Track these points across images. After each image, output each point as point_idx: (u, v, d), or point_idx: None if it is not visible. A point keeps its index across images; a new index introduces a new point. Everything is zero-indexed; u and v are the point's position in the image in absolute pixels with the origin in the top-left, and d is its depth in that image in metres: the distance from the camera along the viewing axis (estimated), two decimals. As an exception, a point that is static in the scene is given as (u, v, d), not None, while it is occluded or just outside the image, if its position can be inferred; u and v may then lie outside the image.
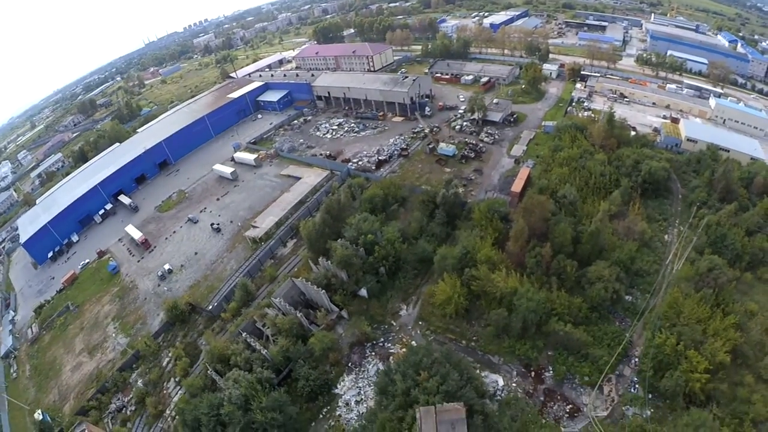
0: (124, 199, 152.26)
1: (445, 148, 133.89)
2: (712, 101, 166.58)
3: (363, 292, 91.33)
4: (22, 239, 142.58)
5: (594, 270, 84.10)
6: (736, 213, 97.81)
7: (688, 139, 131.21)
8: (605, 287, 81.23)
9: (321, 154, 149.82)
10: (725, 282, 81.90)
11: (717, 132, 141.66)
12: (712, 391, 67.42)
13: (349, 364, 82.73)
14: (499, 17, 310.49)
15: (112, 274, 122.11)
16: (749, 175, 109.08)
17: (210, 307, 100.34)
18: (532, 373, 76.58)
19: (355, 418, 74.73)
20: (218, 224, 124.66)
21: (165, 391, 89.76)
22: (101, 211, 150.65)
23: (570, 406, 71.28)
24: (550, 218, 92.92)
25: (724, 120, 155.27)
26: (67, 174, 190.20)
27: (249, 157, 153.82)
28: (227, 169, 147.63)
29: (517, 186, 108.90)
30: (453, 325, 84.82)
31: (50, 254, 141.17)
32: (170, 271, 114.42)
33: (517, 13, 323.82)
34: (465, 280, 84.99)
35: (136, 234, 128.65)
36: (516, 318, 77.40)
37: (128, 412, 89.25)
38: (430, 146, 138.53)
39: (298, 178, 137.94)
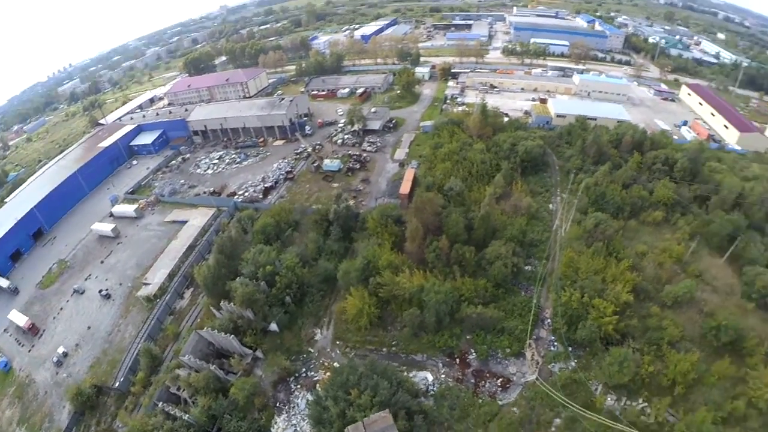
0: (2, 281, 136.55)
1: (330, 164, 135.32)
2: (576, 78, 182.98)
3: (273, 326, 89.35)
4: None
5: (491, 250, 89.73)
6: (610, 171, 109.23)
7: (557, 116, 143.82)
8: (505, 264, 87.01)
9: (205, 192, 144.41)
10: (612, 233, 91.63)
11: (583, 104, 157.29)
12: (624, 330, 75.40)
13: (278, 404, 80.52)
14: (369, 28, 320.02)
15: (5, 372, 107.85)
16: (618, 136, 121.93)
17: (116, 384, 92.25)
18: (457, 360, 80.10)
19: None
20: (107, 290, 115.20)
21: None
22: None
23: (500, 379, 75.97)
24: (441, 212, 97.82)
25: (589, 93, 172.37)
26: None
27: (129, 208, 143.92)
28: (107, 227, 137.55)
29: (404, 188, 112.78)
30: (370, 335, 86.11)
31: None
32: (65, 355, 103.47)
33: (387, 22, 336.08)
34: (372, 289, 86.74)
35: (21, 320, 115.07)
36: (429, 313, 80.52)
37: None
38: (315, 164, 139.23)
39: (185, 222, 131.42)
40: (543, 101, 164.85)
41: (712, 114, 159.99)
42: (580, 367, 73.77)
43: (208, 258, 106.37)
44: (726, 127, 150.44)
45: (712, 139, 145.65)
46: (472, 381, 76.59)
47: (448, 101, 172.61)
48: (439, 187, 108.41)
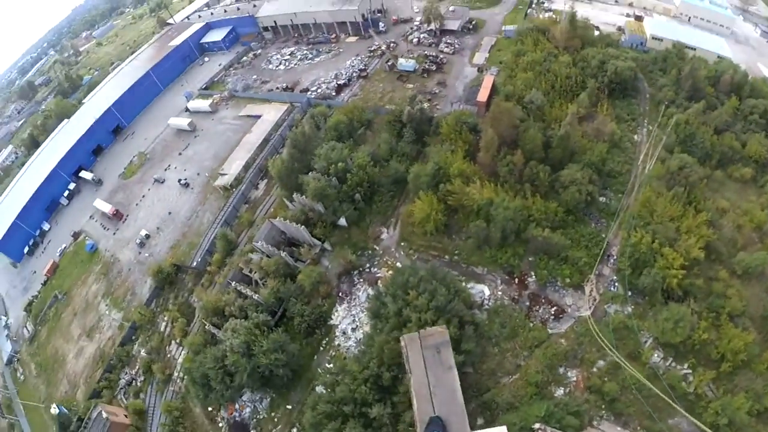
0: (86, 174, 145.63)
1: (405, 63, 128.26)
2: None
3: (342, 221, 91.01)
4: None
5: (567, 174, 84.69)
6: (704, 111, 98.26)
7: (653, 38, 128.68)
8: (579, 190, 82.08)
9: (277, 88, 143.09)
10: (696, 180, 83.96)
11: (682, 30, 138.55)
12: (688, 287, 70.53)
13: (340, 294, 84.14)
14: None
15: (91, 253, 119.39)
16: (716, 73, 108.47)
17: (194, 263, 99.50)
18: (516, 280, 78.91)
19: (354, 344, 77.38)
20: (186, 179, 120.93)
21: (169, 355, 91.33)
22: (66, 193, 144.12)
23: (555, 308, 74.56)
24: (518, 125, 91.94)
25: (689, 18, 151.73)
26: (23, 164, 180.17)
27: (203, 104, 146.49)
28: (184, 121, 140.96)
29: (482, 95, 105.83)
30: (434, 241, 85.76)
31: (26, 249, 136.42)
32: (148, 237, 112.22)
33: None
34: (441, 195, 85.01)
35: (106, 207, 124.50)
36: (495, 228, 78.33)
37: (138, 384, 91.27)
38: (389, 63, 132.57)
39: (258, 117, 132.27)
40: (638, 19, 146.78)
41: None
42: (635, 315, 70.84)
43: (282, 152, 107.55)
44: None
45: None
46: (527, 303, 75.71)
47: (533, 5, 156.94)
48: (518, 98, 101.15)
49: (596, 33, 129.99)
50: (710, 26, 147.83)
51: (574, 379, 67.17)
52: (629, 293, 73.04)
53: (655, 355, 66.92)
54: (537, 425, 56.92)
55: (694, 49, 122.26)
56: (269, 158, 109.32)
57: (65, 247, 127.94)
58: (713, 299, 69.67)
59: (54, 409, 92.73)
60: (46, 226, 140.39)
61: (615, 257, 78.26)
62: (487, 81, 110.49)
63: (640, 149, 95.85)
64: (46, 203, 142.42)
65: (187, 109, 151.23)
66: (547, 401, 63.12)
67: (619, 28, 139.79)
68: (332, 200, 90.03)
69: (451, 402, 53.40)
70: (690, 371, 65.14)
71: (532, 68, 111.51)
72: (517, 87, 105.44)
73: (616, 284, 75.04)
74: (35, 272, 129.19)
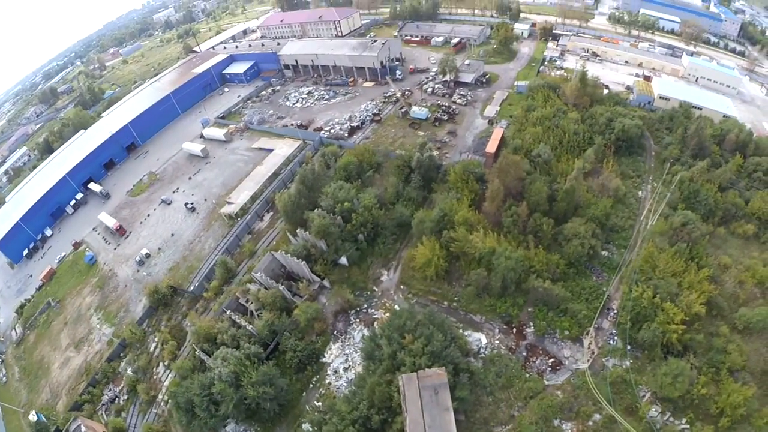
0: (95, 186, 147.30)
1: (418, 111, 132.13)
2: (685, 59, 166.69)
3: (343, 260, 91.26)
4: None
5: (570, 227, 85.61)
6: (708, 169, 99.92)
7: (660, 97, 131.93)
8: (582, 243, 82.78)
9: (292, 124, 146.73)
10: (699, 236, 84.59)
11: (689, 90, 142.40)
12: (688, 342, 70.58)
13: (335, 333, 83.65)
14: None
15: (90, 264, 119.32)
16: (721, 132, 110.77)
17: (191, 287, 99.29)
18: (514, 330, 78.54)
19: (345, 384, 76.09)
20: (192, 203, 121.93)
21: (155, 377, 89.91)
22: (72, 202, 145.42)
23: (552, 359, 73.95)
24: (525, 177, 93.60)
25: (697, 78, 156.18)
26: (34, 167, 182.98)
27: (218, 132, 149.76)
28: (197, 147, 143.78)
29: (491, 146, 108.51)
30: (434, 287, 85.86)
31: (25, 252, 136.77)
32: (148, 256, 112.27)
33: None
34: (444, 242, 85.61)
35: (110, 221, 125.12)
36: (495, 277, 78.67)
37: (121, 402, 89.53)
38: (403, 110, 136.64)
39: (270, 150, 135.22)
40: (647, 78, 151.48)
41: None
42: (634, 369, 70.29)
43: (290, 187, 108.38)
44: None
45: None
46: (524, 354, 75.42)
47: (546, 63, 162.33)
48: (526, 152, 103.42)
49: (605, 91, 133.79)
50: (717, 86, 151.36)
51: (570, 432, 65.85)
52: (628, 347, 72.96)
53: (653, 409, 66.29)
54: None
55: (701, 109, 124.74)
56: (277, 192, 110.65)
57: (64, 255, 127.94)
58: (713, 354, 69.66)
59: (33, 416, 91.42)
60: (48, 232, 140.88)
61: (615, 311, 78.19)
62: (497, 133, 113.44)
63: (644, 205, 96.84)
64: (52, 209, 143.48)
65: (202, 136, 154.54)
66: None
67: (628, 87, 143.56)
68: (335, 238, 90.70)
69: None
70: (688, 426, 64.46)
71: (542, 123, 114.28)
72: (525, 140, 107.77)
73: (615, 338, 74.94)
74: (31, 276, 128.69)
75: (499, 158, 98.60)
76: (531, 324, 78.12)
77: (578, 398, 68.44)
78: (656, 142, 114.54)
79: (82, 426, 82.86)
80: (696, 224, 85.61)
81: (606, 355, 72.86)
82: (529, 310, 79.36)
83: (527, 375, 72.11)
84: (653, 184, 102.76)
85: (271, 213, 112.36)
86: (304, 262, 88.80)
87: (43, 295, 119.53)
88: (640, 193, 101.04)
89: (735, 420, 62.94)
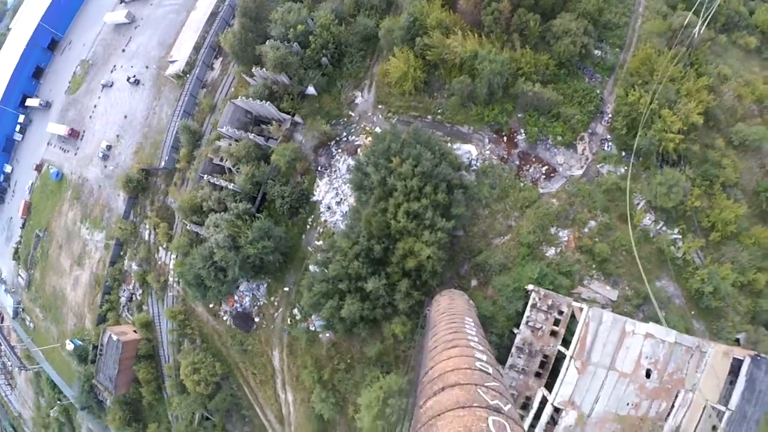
0: (32, 102, 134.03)
1: None
2: None
3: (311, 89, 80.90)
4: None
5: (559, 23, 73.47)
6: None
7: None
8: (573, 41, 71.83)
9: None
10: (699, 42, 75.29)
11: None
12: (684, 152, 68.48)
13: (319, 168, 78.62)
14: None
15: (58, 180, 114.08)
16: None
17: (162, 163, 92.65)
18: (505, 138, 73.68)
19: (340, 218, 74.40)
20: (134, 76, 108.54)
21: (159, 262, 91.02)
22: (17, 128, 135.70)
23: (546, 167, 71.34)
24: None
25: None
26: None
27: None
28: (120, 15, 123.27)
29: None
30: (414, 101, 77.53)
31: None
32: (109, 147, 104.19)
33: None
34: (418, 50, 74.40)
35: (60, 129, 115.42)
36: (480, 83, 70.05)
37: (138, 297, 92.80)
38: None
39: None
40: None
41: None
42: (628, 176, 67.77)
43: (233, 24, 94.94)
44: None
45: None
46: (517, 163, 71.64)
47: None
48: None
49: None
50: None
51: (566, 239, 66.75)
52: (623, 153, 70.52)
53: (647, 217, 66.85)
54: (530, 287, 58.63)
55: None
56: (220, 33, 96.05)
57: (32, 183, 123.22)
58: (708, 167, 68.63)
59: (69, 345, 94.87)
60: (8, 168, 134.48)
61: (610, 116, 73.17)
62: None
63: (640, 1, 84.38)
64: (1, 144, 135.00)
65: (122, 1, 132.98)
66: (540, 262, 63.98)
67: None
68: (296, 68, 79.59)
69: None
70: (680, 237, 65.86)
71: None
72: None
73: (610, 144, 71.60)
74: (12, 218, 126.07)
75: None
76: (522, 131, 72.80)
77: (573, 206, 67.48)
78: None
79: (112, 335, 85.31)
80: (697, 26, 75.71)
81: (601, 161, 70.15)
82: (519, 116, 73.05)
83: (521, 184, 69.99)
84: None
85: (221, 58, 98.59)
86: (268, 102, 79.27)
87: (29, 230, 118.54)
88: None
89: (725, 236, 64.67)
